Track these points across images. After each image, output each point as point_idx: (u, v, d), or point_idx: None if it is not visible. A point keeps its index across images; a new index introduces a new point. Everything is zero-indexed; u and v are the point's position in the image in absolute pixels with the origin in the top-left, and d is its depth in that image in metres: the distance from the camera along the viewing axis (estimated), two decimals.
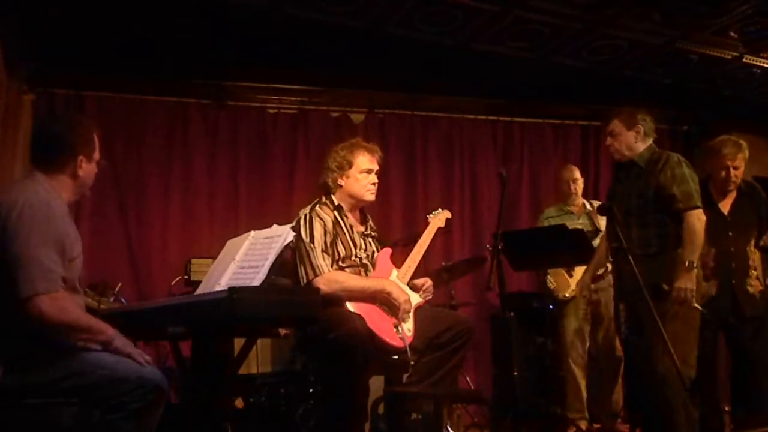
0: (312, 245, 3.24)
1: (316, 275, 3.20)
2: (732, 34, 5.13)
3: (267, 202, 5.48)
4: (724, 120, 6.47)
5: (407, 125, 5.94)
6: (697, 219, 3.58)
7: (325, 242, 3.29)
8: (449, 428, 3.92)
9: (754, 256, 4.12)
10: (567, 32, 5.10)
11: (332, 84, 5.68)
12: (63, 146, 2.50)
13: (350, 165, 3.42)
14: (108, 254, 5.03)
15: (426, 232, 3.68)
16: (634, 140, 3.81)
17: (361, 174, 3.43)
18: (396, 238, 4.76)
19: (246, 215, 5.34)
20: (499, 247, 3.44)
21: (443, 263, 5.02)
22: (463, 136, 6.06)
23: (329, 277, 3.20)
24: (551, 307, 5.01)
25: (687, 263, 3.51)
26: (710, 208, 3.93)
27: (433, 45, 5.22)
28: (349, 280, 3.27)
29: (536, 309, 5.12)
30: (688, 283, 3.49)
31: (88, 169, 2.53)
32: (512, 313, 4.78)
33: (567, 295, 4.80)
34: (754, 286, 4.08)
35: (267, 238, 2.68)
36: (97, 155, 2.57)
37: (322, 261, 3.23)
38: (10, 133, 4.51)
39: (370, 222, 3.63)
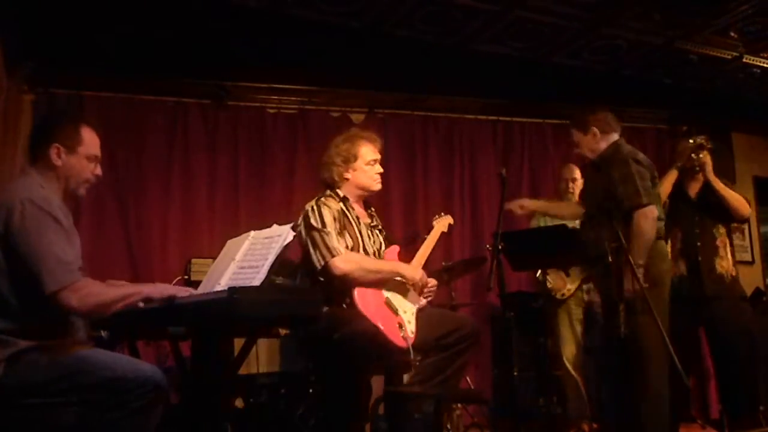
0: (326, 230, 3.23)
1: (333, 256, 3.18)
2: (732, 34, 5.15)
3: (267, 202, 5.47)
4: (724, 120, 6.47)
5: (407, 125, 5.94)
6: (643, 217, 3.49)
7: (337, 228, 3.29)
8: (449, 428, 3.92)
9: (722, 238, 4.19)
10: (567, 32, 5.11)
11: (332, 84, 5.68)
12: (38, 135, 2.52)
13: (356, 157, 3.43)
14: (108, 254, 5.02)
15: (430, 236, 3.67)
16: (595, 142, 3.82)
17: (368, 165, 3.45)
18: (396, 237, 4.76)
19: (246, 215, 5.34)
20: (499, 247, 3.44)
21: (443, 263, 5.02)
22: (463, 136, 6.06)
23: (347, 257, 3.20)
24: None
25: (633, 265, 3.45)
26: (678, 193, 4.21)
27: (433, 45, 5.23)
28: (365, 260, 3.28)
29: (536, 309, 5.11)
30: (630, 284, 3.41)
31: (69, 161, 2.50)
32: (512, 313, 4.79)
33: (564, 294, 4.81)
34: (724, 267, 4.11)
35: (267, 238, 2.67)
36: (84, 150, 2.53)
37: (337, 243, 3.22)
38: (10, 133, 4.50)
39: (374, 212, 3.63)
